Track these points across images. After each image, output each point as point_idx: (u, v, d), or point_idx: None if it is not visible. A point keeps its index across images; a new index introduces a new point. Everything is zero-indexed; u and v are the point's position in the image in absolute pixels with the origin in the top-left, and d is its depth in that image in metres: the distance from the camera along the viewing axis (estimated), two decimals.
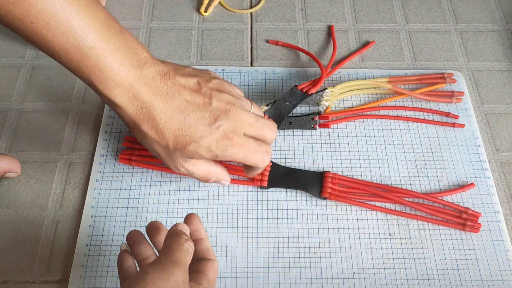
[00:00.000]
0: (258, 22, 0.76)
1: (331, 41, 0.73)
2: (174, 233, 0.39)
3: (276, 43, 0.72)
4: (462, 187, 0.59)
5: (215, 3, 0.77)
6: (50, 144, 0.62)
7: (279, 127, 0.62)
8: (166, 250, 0.38)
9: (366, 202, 0.57)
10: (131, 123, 0.46)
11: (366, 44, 0.73)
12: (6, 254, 0.54)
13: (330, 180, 0.58)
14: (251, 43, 0.73)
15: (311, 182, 0.58)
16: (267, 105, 0.62)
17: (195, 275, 0.41)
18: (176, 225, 0.41)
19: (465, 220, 0.56)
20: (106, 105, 0.65)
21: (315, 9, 0.78)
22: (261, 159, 0.49)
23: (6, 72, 0.68)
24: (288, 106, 0.62)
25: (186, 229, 0.41)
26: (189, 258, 0.38)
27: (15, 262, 0.53)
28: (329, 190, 0.57)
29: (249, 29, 0.75)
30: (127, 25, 0.74)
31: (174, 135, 0.45)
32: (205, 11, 0.76)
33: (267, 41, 0.73)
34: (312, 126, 0.63)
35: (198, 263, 0.43)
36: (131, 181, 0.58)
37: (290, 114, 0.63)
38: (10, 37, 0.72)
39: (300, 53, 0.72)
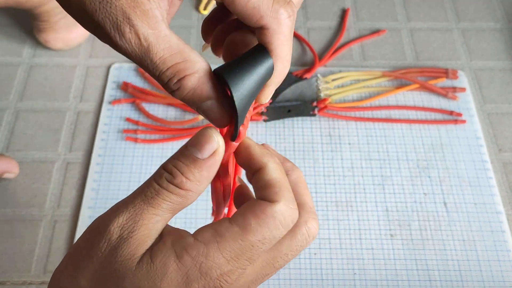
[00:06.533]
0: None
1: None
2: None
3: None
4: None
5: (214, 1, 0.76)
6: (48, 144, 0.61)
7: (274, 101, 0.64)
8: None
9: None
10: None
11: (374, 32, 0.73)
12: (3, 254, 0.53)
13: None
14: None
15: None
16: None
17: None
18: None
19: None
20: (103, 105, 0.64)
21: (316, 7, 0.77)
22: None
23: (4, 70, 0.68)
24: (283, 83, 0.64)
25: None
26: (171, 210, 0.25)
27: (12, 262, 0.53)
28: None
29: None
30: None
31: None
32: (204, 9, 0.75)
33: None
34: (311, 112, 0.63)
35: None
36: (129, 181, 0.58)
37: (289, 104, 0.65)
38: (7, 35, 0.71)
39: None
